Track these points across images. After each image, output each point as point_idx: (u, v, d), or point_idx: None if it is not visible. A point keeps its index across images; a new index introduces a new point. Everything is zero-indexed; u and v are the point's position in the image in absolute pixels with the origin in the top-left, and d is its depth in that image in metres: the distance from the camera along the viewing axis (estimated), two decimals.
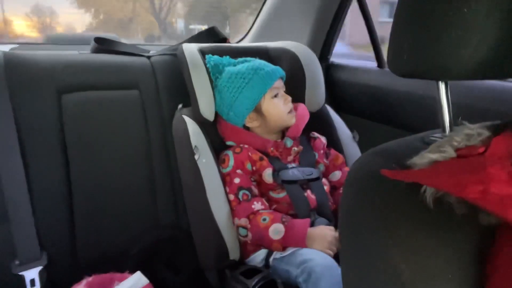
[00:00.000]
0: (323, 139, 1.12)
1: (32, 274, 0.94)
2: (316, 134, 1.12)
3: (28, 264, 0.94)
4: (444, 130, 0.47)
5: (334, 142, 1.14)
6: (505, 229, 0.32)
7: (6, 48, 1.21)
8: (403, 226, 0.36)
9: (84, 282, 0.89)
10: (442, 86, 0.46)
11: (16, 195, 0.94)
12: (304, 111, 1.10)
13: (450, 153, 0.37)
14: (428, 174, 0.35)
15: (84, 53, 1.22)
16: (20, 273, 0.92)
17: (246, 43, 1.57)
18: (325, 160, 1.09)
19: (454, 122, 0.46)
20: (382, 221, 0.37)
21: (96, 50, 1.23)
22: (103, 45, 1.23)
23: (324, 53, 1.42)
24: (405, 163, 0.39)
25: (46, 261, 0.96)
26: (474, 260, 0.35)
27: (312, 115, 1.12)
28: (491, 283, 0.33)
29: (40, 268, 0.95)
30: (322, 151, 1.09)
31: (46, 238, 0.98)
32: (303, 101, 1.13)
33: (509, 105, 0.81)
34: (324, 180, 1.03)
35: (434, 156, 0.37)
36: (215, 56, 1.06)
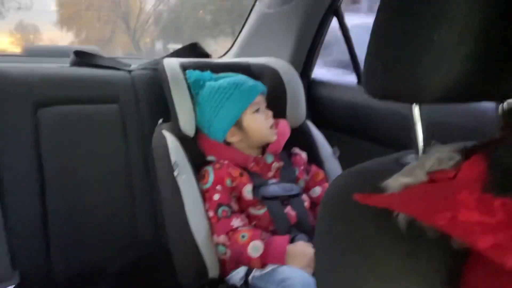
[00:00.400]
0: (304, 155, 1.12)
1: None
2: (296, 150, 1.12)
3: None
4: (417, 152, 0.47)
5: (314, 158, 1.14)
6: (478, 253, 0.32)
7: None
8: (377, 250, 0.36)
9: None
10: (415, 108, 0.47)
11: None
12: (285, 127, 1.10)
13: (421, 177, 0.37)
14: (399, 199, 0.35)
15: (63, 66, 1.21)
16: None
17: (228, 58, 1.58)
18: (305, 176, 1.10)
19: (428, 142, 0.47)
20: (356, 245, 0.37)
21: (75, 63, 1.21)
22: (82, 58, 1.21)
23: (305, 69, 1.44)
24: (379, 185, 0.40)
25: (19, 280, 0.92)
26: (445, 285, 0.35)
27: (293, 131, 1.12)
28: None
29: (12, 287, 0.91)
30: (302, 167, 1.10)
31: (19, 256, 0.95)
32: (284, 117, 1.13)
33: (488, 124, 0.83)
34: (304, 196, 1.04)
35: (406, 180, 0.37)
36: (196, 71, 1.06)
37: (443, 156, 0.39)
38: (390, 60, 0.42)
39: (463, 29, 0.36)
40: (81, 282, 0.94)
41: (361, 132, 1.28)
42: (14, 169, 0.98)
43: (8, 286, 0.91)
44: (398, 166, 0.43)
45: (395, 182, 0.38)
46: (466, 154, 0.38)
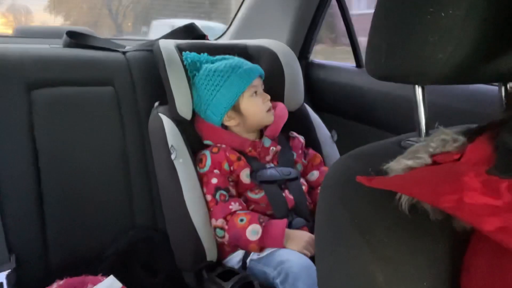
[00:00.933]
0: (302, 139, 1.11)
1: None
2: (294, 134, 1.11)
3: None
4: (420, 134, 0.47)
5: (312, 142, 1.14)
6: (480, 235, 0.32)
7: None
8: (378, 233, 0.36)
9: (55, 285, 0.86)
10: (418, 90, 0.46)
11: None
12: (283, 110, 1.09)
13: (426, 159, 0.37)
14: (403, 181, 0.35)
15: (55, 47, 1.18)
16: None
17: (225, 40, 1.55)
18: (303, 160, 1.09)
19: (431, 125, 0.46)
20: (357, 227, 0.37)
21: (68, 44, 1.18)
22: (76, 39, 1.18)
23: (304, 51, 1.42)
24: (381, 168, 0.39)
25: (15, 264, 0.92)
26: (448, 267, 0.35)
27: (291, 114, 1.11)
28: None
29: (8, 271, 0.91)
30: (300, 151, 1.09)
31: (15, 240, 0.94)
32: (282, 100, 1.12)
33: (489, 107, 0.82)
34: (302, 180, 1.03)
35: (410, 162, 0.36)
36: (193, 53, 1.04)
37: (448, 138, 0.38)
38: (394, 39, 0.41)
39: (471, 5, 0.35)
40: (78, 266, 0.93)
41: (359, 116, 1.27)
42: (8, 152, 0.96)
43: (4, 271, 0.90)
44: (400, 149, 0.42)
45: (398, 165, 0.37)
46: (471, 136, 0.38)
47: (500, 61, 0.39)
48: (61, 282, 0.87)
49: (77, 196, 1.04)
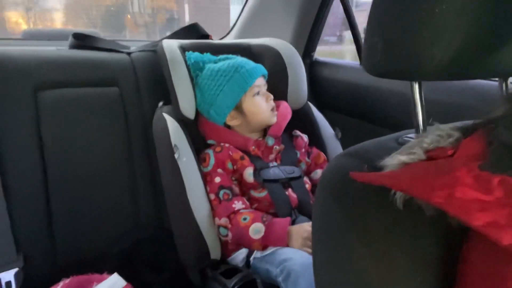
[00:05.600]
0: (305, 138, 1.11)
1: (8, 276, 0.92)
2: (298, 133, 1.11)
3: (3, 266, 0.91)
4: (417, 131, 0.46)
5: (316, 140, 1.14)
6: (476, 231, 0.32)
7: None
8: (373, 229, 0.36)
9: (61, 283, 0.87)
10: (415, 86, 0.46)
11: None
12: (286, 109, 1.09)
13: (420, 155, 0.37)
14: (395, 177, 0.34)
15: (62, 49, 1.19)
16: None
17: (229, 40, 1.55)
18: (306, 159, 1.09)
19: (428, 122, 0.46)
20: (352, 223, 0.37)
21: (74, 46, 1.20)
22: (81, 40, 1.20)
23: (307, 50, 1.41)
24: (377, 164, 0.39)
25: (23, 263, 0.93)
26: (442, 262, 0.34)
27: (295, 112, 1.11)
28: (465, 282, 0.33)
29: (16, 270, 0.92)
30: (303, 150, 1.09)
31: (22, 240, 0.96)
32: (285, 99, 1.12)
33: (486, 103, 0.81)
34: (305, 178, 1.03)
35: (404, 158, 0.36)
36: (196, 53, 1.05)
37: (443, 134, 0.38)
38: (390, 35, 0.41)
39: (465, 1, 0.35)
40: (84, 264, 0.95)
41: (363, 114, 1.27)
42: (16, 152, 0.98)
43: (12, 269, 0.92)
44: (397, 146, 0.42)
45: (393, 160, 0.37)
46: (467, 131, 0.38)
47: (497, 57, 0.39)
48: (67, 280, 0.88)
49: (83, 196, 1.05)
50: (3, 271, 0.91)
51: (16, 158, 0.98)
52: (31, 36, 1.50)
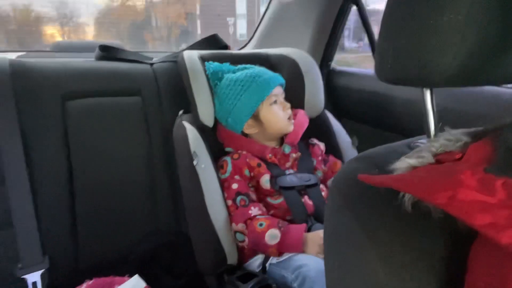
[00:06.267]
0: (322, 146, 1.12)
1: (34, 277, 0.95)
2: (314, 141, 1.12)
3: (30, 267, 0.95)
4: (429, 136, 0.47)
5: (333, 148, 1.14)
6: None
7: (13, 56, 1.25)
8: (382, 231, 0.37)
9: (84, 285, 0.90)
10: (427, 92, 0.47)
11: (20, 201, 0.96)
12: (303, 117, 1.10)
13: (428, 158, 0.37)
14: (402, 179, 0.35)
15: (88, 60, 1.25)
16: (23, 277, 0.94)
17: (248, 50, 1.59)
18: (323, 167, 1.10)
19: (442, 129, 0.46)
20: (361, 225, 0.38)
21: (100, 57, 1.25)
22: (107, 52, 1.25)
23: (325, 59, 1.43)
24: (388, 168, 0.40)
25: (48, 265, 0.97)
26: (449, 265, 0.35)
27: (312, 121, 1.12)
28: (471, 285, 0.33)
29: (42, 271, 0.96)
30: (320, 158, 1.10)
31: (48, 243, 0.99)
32: (302, 107, 1.13)
33: (501, 110, 0.80)
34: (322, 186, 1.04)
35: (412, 161, 0.37)
36: (215, 63, 1.08)
37: (452, 138, 0.38)
38: (400, 43, 0.42)
39: (469, 10, 0.36)
40: (105, 267, 0.98)
41: (380, 122, 1.27)
42: (44, 158, 1.02)
43: (38, 270, 0.96)
44: (409, 150, 0.43)
45: (402, 164, 0.38)
46: (475, 136, 0.38)
47: (507, 63, 0.40)
48: (90, 282, 0.91)
49: (106, 201, 1.09)
50: (30, 272, 0.95)
51: (44, 164, 1.02)
52: (59, 48, 1.57)
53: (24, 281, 0.94)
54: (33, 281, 0.95)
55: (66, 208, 1.04)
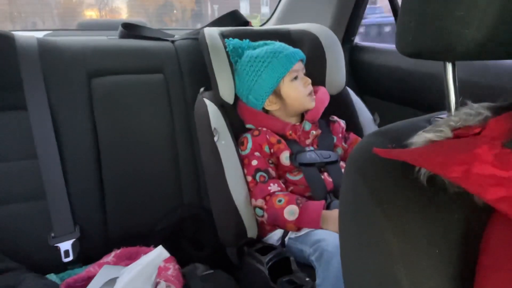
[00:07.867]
0: (342, 123, 1.11)
1: (66, 245, 1.01)
2: (335, 118, 1.11)
3: (62, 236, 1.01)
4: (449, 111, 0.46)
5: (354, 126, 1.13)
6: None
7: (40, 34, 1.28)
8: (397, 203, 0.37)
9: (112, 254, 0.95)
10: (449, 66, 0.46)
11: (52, 174, 1.00)
12: (324, 94, 1.10)
13: (447, 133, 0.37)
14: (419, 153, 0.35)
15: (112, 38, 1.27)
16: (56, 245, 1.00)
17: (269, 26, 1.57)
18: (343, 144, 1.09)
19: (461, 102, 0.46)
20: (376, 197, 0.38)
21: (123, 35, 1.27)
22: (129, 30, 1.27)
23: (348, 34, 1.40)
24: (405, 142, 0.40)
25: (79, 234, 1.03)
26: (461, 236, 0.35)
27: (333, 97, 1.11)
28: (486, 260, 0.34)
29: (73, 240, 1.02)
30: (340, 135, 1.09)
31: (79, 214, 1.04)
32: (323, 84, 1.12)
33: None
34: (342, 163, 1.04)
35: (430, 135, 0.37)
36: (235, 40, 1.07)
37: (472, 112, 0.38)
38: (422, 16, 0.41)
39: None
40: (133, 238, 1.02)
41: (403, 98, 1.24)
42: (72, 135, 1.07)
43: (70, 240, 1.02)
44: (428, 125, 0.43)
45: (420, 138, 0.38)
46: (497, 111, 0.37)
47: None
48: (118, 251, 0.96)
49: (132, 176, 1.13)
50: (62, 241, 1.01)
51: (73, 139, 1.06)
52: (84, 27, 1.60)
53: (57, 249, 1.00)
54: (65, 249, 1.01)
55: (94, 183, 1.08)
